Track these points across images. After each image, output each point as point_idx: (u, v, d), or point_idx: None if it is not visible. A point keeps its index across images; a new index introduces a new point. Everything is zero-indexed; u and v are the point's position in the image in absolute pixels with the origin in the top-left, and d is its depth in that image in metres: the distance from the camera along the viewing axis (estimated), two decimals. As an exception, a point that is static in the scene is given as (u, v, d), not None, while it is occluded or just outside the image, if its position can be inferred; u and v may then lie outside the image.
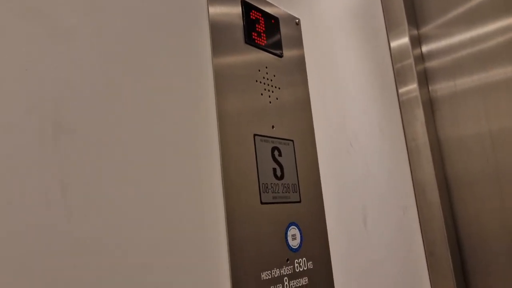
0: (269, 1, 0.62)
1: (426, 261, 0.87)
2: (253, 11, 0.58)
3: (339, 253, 0.62)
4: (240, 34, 0.55)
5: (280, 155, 0.56)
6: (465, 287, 0.87)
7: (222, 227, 0.47)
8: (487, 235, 0.85)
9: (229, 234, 0.47)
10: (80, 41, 0.39)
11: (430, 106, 0.96)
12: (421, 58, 0.98)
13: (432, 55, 0.97)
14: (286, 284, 0.52)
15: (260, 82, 0.56)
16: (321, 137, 0.66)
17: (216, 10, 0.53)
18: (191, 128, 0.47)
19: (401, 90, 0.96)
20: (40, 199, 0.33)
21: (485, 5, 0.88)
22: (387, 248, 0.76)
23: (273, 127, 0.56)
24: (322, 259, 0.58)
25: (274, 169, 0.55)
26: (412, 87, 0.94)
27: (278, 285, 0.50)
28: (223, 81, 0.51)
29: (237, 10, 0.56)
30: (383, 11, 0.99)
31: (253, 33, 0.57)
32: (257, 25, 0.58)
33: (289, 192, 0.56)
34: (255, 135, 0.53)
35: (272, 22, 0.61)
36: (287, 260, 0.53)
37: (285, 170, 0.56)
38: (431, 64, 0.97)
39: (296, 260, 0.54)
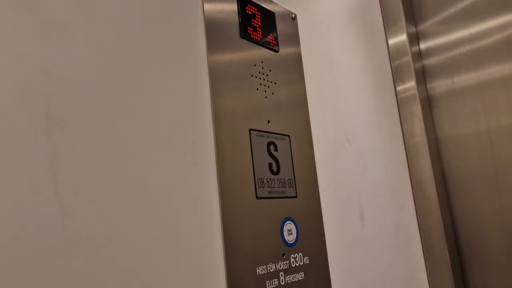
0: (265, -4, 0.62)
1: (424, 258, 0.87)
2: (248, 5, 0.57)
3: (335, 249, 0.62)
4: (235, 28, 0.55)
5: (276, 150, 0.56)
6: (462, 284, 0.86)
7: (217, 222, 0.47)
8: (484, 232, 0.85)
9: (224, 229, 0.46)
10: (73, 34, 0.39)
11: (428, 103, 0.96)
12: (419, 56, 0.98)
13: (430, 52, 0.97)
14: (282, 279, 0.51)
15: (256, 77, 0.56)
16: (318, 132, 0.65)
17: (211, 3, 0.53)
18: (186, 122, 0.46)
19: (399, 88, 0.96)
20: (32, 193, 0.33)
21: (483, 2, 0.88)
22: (384, 244, 0.75)
23: (269, 122, 0.56)
24: (318, 254, 0.58)
25: (270, 164, 0.54)
26: (410, 85, 0.94)
27: (274, 280, 0.50)
28: (218, 75, 0.51)
29: (232, 4, 0.56)
30: (380, 8, 0.99)
31: (248, 28, 0.57)
32: (252, 20, 0.58)
33: (285, 187, 0.55)
34: (250, 130, 0.53)
35: (268, 17, 0.60)
36: (283, 255, 0.52)
37: (281, 165, 0.56)
38: (429, 61, 0.97)
39: (292, 255, 0.54)
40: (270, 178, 0.54)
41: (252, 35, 0.57)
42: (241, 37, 0.55)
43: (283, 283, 0.51)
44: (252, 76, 0.56)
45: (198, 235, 0.44)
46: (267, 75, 0.58)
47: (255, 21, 0.58)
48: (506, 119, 0.83)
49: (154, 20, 0.46)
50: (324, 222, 0.61)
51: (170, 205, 0.42)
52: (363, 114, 0.80)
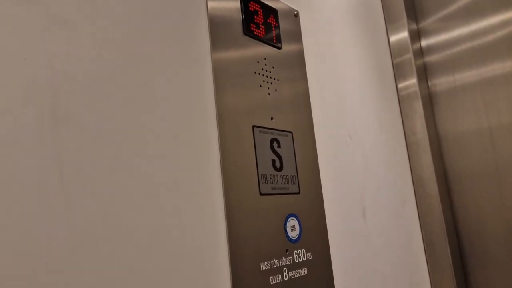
0: (268, -7, 0.62)
1: (425, 253, 0.88)
2: (251, 2, 0.58)
3: (338, 245, 0.62)
4: (238, 25, 0.55)
5: (279, 146, 0.56)
6: (463, 279, 0.87)
7: (221, 218, 0.47)
8: (485, 228, 0.85)
9: (228, 225, 0.47)
10: (78, 31, 0.39)
11: (429, 100, 0.96)
12: (420, 53, 0.98)
13: (431, 49, 0.97)
14: (286, 275, 0.52)
15: (259, 74, 0.56)
16: (320, 129, 0.66)
17: (215, 2, 0.53)
18: (190, 119, 0.47)
19: (400, 85, 0.96)
20: (39, 187, 0.33)
21: (483, 0, 0.88)
22: (385, 240, 0.76)
23: (272, 118, 0.56)
24: (321, 250, 0.58)
25: (273, 161, 0.55)
26: (411, 82, 0.94)
27: (277, 275, 0.51)
28: (222, 72, 0.51)
29: (235, 1, 0.56)
30: (382, 5, 0.99)
31: (251, 25, 0.57)
32: (255, 17, 0.58)
33: (288, 184, 0.56)
34: (254, 126, 0.53)
35: (270, 14, 0.61)
36: (286, 251, 0.53)
37: (284, 162, 0.56)
38: (430, 58, 0.97)
39: (295, 251, 0.54)
40: (274, 175, 0.54)
41: (255, 32, 0.57)
42: (244, 34, 0.56)
43: (287, 278, 0.52)
44: (255, 73, 0.56)
45: (203, 231, 0.45)
46: (270, 72, 0.58)
47: (258, 18, 0.58)
48: (507, 116, 0.83)
49: (159, 16, 0.46)
50: (326, 218, 0.61)
51: (175, 201, 0.43)
52: (364, 111, 0.80)
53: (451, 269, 0.84)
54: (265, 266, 0.49)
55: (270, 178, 0.53)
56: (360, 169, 0.74)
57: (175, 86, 0.46)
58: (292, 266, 0.53)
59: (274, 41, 0.60)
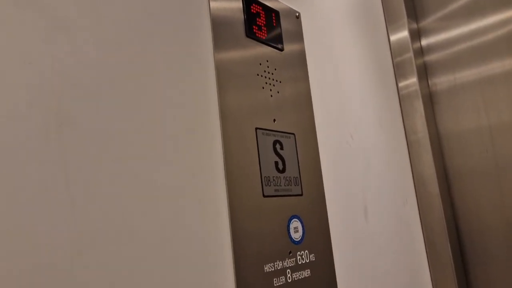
0: (270, -6, 0.62)
1: (426, 252, 0.88)
2: (253, 4, 0.58)
3: (340, 245, 0.63)
4: (241, 27, 0.55)
5: (281, 148, 0.56)
6: (464, 278, 0.87)
7: (225, 220, 0.47)
8: (486, 226, 0.86)
9: (232, 227, 0.47)
10: (81, 34, 0.39)
11: (430, 99, 0.96)
12: (420, 52, 0.98)
13: (431, 48, 0.97)
14: (289, 276, 0.52)
15: (261, 76, 0.57)
16: (322, 130, 0.66)
17: (217, 3, 0.53)
18: (194, 121, 0.47)
19: (400, 84, 0.96)
20: (44, 191, 0.33)
21: (483, -1, 0.89)
22: (387, 240, 0.76)
23: (274, 120, 0.56)
24: (324, 251, 0.58)
25: (276, 163, 0.55)
26: (411, 81, 0.94)
27: (281, 277, 0.51)
28: (225, 75, 0.51)
29: (237, 3, 0.56)
30: (382, 5, 0.99)
31: (254, 27, 0.57)
32: (257, 19, 0.58)
33: (291, 185, 0.56)
34: (257, 128, 0.53)
35: (272, 16, 0.61)
36: (290, 252, 0.53)
37: (286, 163, 0.56)
38: (430, 57, 0.97)
39: (298, 253, 0.54)
40: (276, 177, 0.54)
41: (257, 34, 0.57)
42: (247, 36, 0.56)
43: (290, 280, 0.52)
44: (257, 75, 0.56)
45: (207, 233, 0.45)
46: (272, 74, 0.58)
47: (260, 20, 0.58)
48: (507, 114, 0.84)
49: (161, 18, 0.46)
50: (329, 219, 0.61)
51: (179, 203, 0.43)
52: (365, 111, 0.81)
53: (452, 267, 0.85)
54: (268, 267, 0.50)
55: (273, 180, 0.54)
56: (362, 169, 0.74)
57: (178, 89, 0.46)
58: (296, 268, 0.53)
59: (276, 43, 0.60)
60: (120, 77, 0.41)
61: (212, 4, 0.53)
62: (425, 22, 0.99)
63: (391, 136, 0.87)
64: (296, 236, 0.55)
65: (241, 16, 0.56)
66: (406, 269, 0.80)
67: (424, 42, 0.98)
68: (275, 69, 0.59)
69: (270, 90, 0.57)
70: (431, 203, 0.88)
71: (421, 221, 0.89)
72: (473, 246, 0.87)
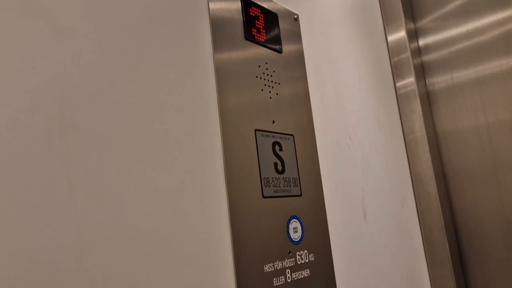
0: (268, -3, 0.63)
1: (424, 251, 0.89)
2: (252, 7, 0.58)
3: (339, 245, 0.63)
4: (240, 30, 0.56)
5: (281, 149, 0.57)
6: (462, 276, 0.88)
7: (225, 221, 0.48)
8: (483, 225, 0.87)
9: (232, 227, 0.47)
10: (83, 40, 0.39)
11: (428, 99, 0.97)
12: (418, 52, 0.99)
13: (429, 48, 0.98)
14: (289, 276, 0.53)
15: (261, 78, 0.57)
16: (320, 131, 0.66)
17: (216, 6, 0.54)
18: (194, 124, 0.47)
19: (398, 84, 0.97)
20: (47, 194, 0.34)
21: (480, -1, 0.89)
22: (386, 239, 0.77)
23: (273, 122, 0.57)
24: (323, 251, 0.59)
25: (275, 164, 0.55)
26: (409, 81, 0.95)
27: (280, 277, 0.51)
28: (224, 77, 0.52)
29: (236, 6, 0.57)
30: (380, 5, 0.99)
31: (252, 29, 0.57)
32: (256, 21, 0.58)
33: (290, 186, 0.57)
34: (256, 130, 0.54)
35: (271, 18, 0.61)
36: (289, 252, 0.54)
37: (286, 164, 0.57)
38: (428, 57, 0.98)
39: (297, 253, 0.55)
40: (276, 178, 0.55)
41: (256, 37, 0.58)
42: (246, 38, 0.56)
43: (290, 280, 0.53)
44: (257, 77, 0.56)
45: (207, 234, 0.45)
46: (271, 76, 0.59)
47: (258, 22, 0.59)
48: (504, 113, 0.84)
49: (161, 22, 0.47)
50: (328, 219, 0.62)
51: (180, 205, 0.43)
52: (363, 111, 0.81)
53: (450, 266, 0.85)
54: (268, 268, 0.50)
55: (273, 181, 0.54)
56: (360, 170, 0.75)
57: (179, 92, 0.47)
58: (295, 268, 0.54)
59: (275, 45, 0.61)
60: (121, 81, 0.41)
61: (212, 6, 0.53)
62: (423, 22, 0.99)
63: (389, 136, 0.88)
64: (296, 236, 0.55)
65: (240, 18, 0.56)
66: (405, 268, 0.81)
67: (422, 42, 0.99)
68: (274, 71, 0.60)
69: (269, 92, 0.58)
70: (429, 202, 0.89)
71: (419, 220, 0.90)
72: (471, 244, 0.88)
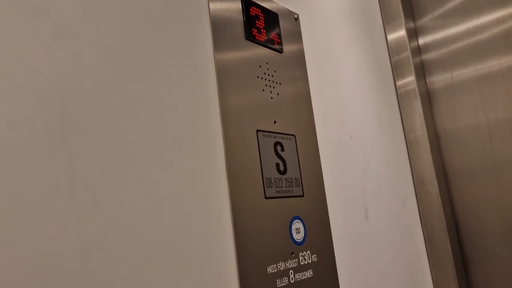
0: (268, -4, 0.62)
1: (426, 251, 0.89)
2: (253, 7, 0.58)
3: (342, 246, 0.63)
4: (240, 30, 0.56)
5: (282, 150, 0.57)
6: (464, 276, 0.88)
7: (228, 222, 0.47)
8: (485, 224, 0.86)
9: (235, 229, 0.47)
10: (84, 41, 0.39)
11: (428, 98, 0.96)
12: (418, 51, 0.99)
13: (428, 47, 0.98)
14: (292, 277, 0.52)
15: (261, 78, 0.57)
16: (322, 131, 0.66)
17: (217, 6, 0.54)
18: (195, 124, 0.47)
19: (399, 83, 0.96)
20: (50, 196, 0.34)
21: (480, -3, 0.89)
22: (388, 239, 0.76)
23: (275, 122, 0.57)
24: (325, 251, 0.59)
25: (277, 164, 0.55)
26: (409, 80, 0.95)
27: (284, 278, 0.51)
28: (226, 78, 0.52)
29: (237, 6, 0.56)
30: (379, 4, 0.99)
31: (253, 29, 0.57)
32: (257, 21, 0.58)
33: (292, 187, 0.56)
34: (258, 130, 0.54)
35: (271, 18, 0.61)
36: (292, 253, 0.53)
37: (288, 165, 0.57)
38: (428, 56, 0.98)
39: (300, 253, 0.54)
40: (278, 178, 0.55)
41: (257, 37, 0.57)
42: (246, 38, 0.56)
43: (293, 281, 0.52)
44: (258, 77, 0.56)
45: (210, 236, 0.45)
46: (272, 76, 0.59)
47: (259, 22, 0.58)
48: (505, 111, 0.84)
49: (161, 22, 0.47)
50: (330, 219, 0.62)
51: (182, 206, 0.43)
52: (364, 111, 0.81)
53: (452, 266, 0.85)
54: (271, 269, 0.50)
55: (275, 181, 0.54)
56: (362, 170, 0.74)
57: (180, 92, 0.46)
58: (298, 269, 0.53)
59: (276, 45, 0.60)
60: (122, 81, 0.41)
61: (212, 6, 0.53)
62: (422, 21, 0.99)
63: (390, 135, 0.88)
64: (298, 237, 0.55)
65: (240, 18, 0.56)
66: (407, 268, 0.80)
67: (422, 41, 0.99)
68: (275, 71, 0.59)
69: (270, 92, 0.58)
70: (430, 202, 0.89)
71: (421, 220, 0.90)
72: (473, 244, 0.88)
